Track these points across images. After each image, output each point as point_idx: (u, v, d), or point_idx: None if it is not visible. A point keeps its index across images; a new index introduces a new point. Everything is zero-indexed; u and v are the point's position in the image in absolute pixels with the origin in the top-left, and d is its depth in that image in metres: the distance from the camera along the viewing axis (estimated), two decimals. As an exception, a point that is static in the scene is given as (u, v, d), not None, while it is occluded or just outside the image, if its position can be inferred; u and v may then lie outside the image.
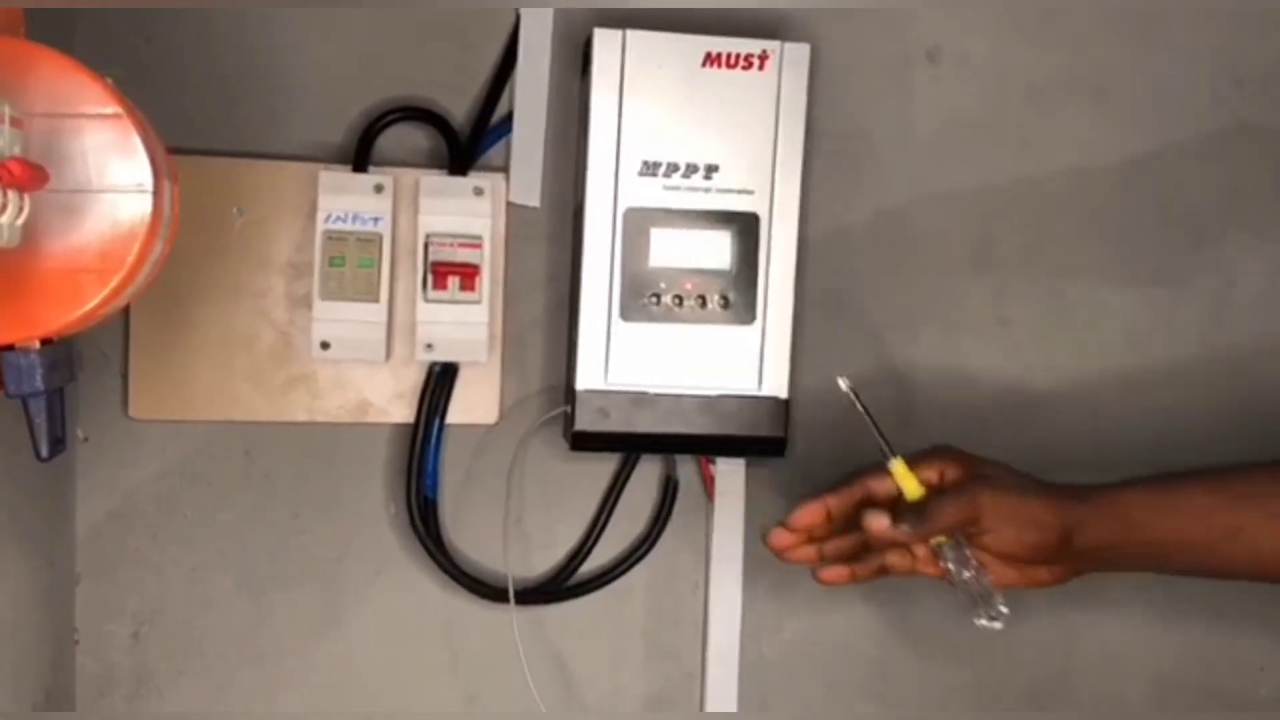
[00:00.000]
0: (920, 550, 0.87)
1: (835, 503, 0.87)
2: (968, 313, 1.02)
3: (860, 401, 0.86)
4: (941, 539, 0.85)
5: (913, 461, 0.86)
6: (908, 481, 0.86)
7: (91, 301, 0.61)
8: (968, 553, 0.84)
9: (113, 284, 0.61)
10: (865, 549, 0.88)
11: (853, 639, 1.04)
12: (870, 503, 0.86)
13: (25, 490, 0.85)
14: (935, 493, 0.85)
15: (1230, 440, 1.06)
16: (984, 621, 0.84)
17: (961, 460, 0.87)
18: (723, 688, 1.01)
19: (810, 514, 0.87)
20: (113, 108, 0.61)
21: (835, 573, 0.88)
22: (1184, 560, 0.87)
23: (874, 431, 0.86)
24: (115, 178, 0.61)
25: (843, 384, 0.86)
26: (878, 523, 0.84)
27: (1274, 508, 0.85)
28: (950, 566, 0.85)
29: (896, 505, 0.86)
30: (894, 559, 0.87)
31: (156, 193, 0.61)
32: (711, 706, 1.01)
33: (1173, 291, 1.03)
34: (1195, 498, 0.86)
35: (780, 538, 0.88)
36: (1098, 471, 1.03)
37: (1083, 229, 1.02)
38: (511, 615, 0.96)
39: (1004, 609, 0.84)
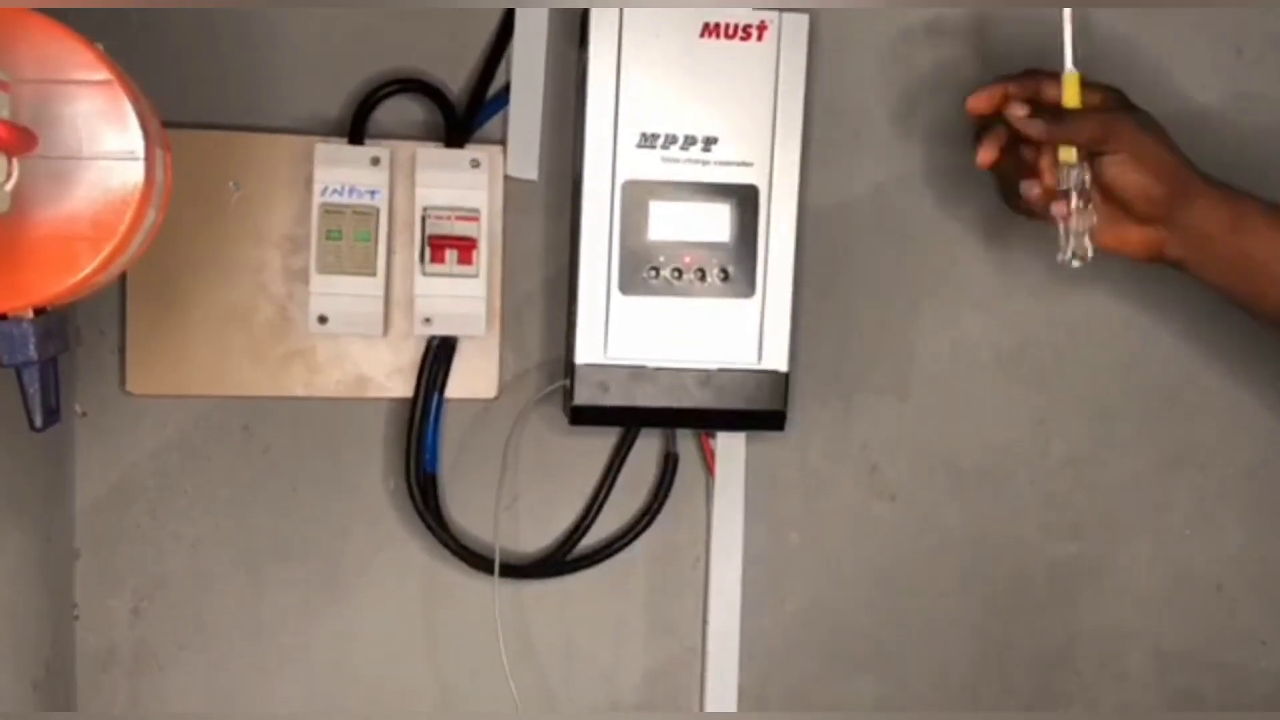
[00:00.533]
0: (1046, 164, 0.87)
1: (1013, 89, 0.87)
2: (968, 284, 1.02)
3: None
4: (1070, 157, 0.85)
5: (1085, 84, 0.86)
6: (1072, 90, 0.86)
7: (85, 270, 0.61)
8: (1086, 179, 0.85)
9: (105, 252, 0.61)
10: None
11: (853, 612, 1.04)
12: (1036, 100, 0.87)
13: (24, 466, 0.84)
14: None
15: (1229, 409, 1.06)
16: (1068, 258, 0.86)
17: (1126, 102, 0.88)
18: (723, 662, 1.01)
19: (990, 94, 0.88)
20: (103, 74, 0.60)
21: (987, 152, 0.89)
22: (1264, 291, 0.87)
23: (1067, 35, 0.86)
24: (107, 144, 0.60)
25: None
26: (1019, 109, 0.86)
27: None
28: (1069, 188, 0.86)
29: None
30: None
31: (149, 160, 0.61)
32: (712, 680, 1.01)
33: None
34: None
35: (977, 100, 0.88)
36: (1096, 444, 1.03)
37: (1084, 199, 1.02)
38: (494, 588, 0.96)
39: (1090, 252, 0.86)
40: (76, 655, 0.94)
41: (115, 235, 0.61)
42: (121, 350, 0.92)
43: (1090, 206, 0.86)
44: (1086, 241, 0.86)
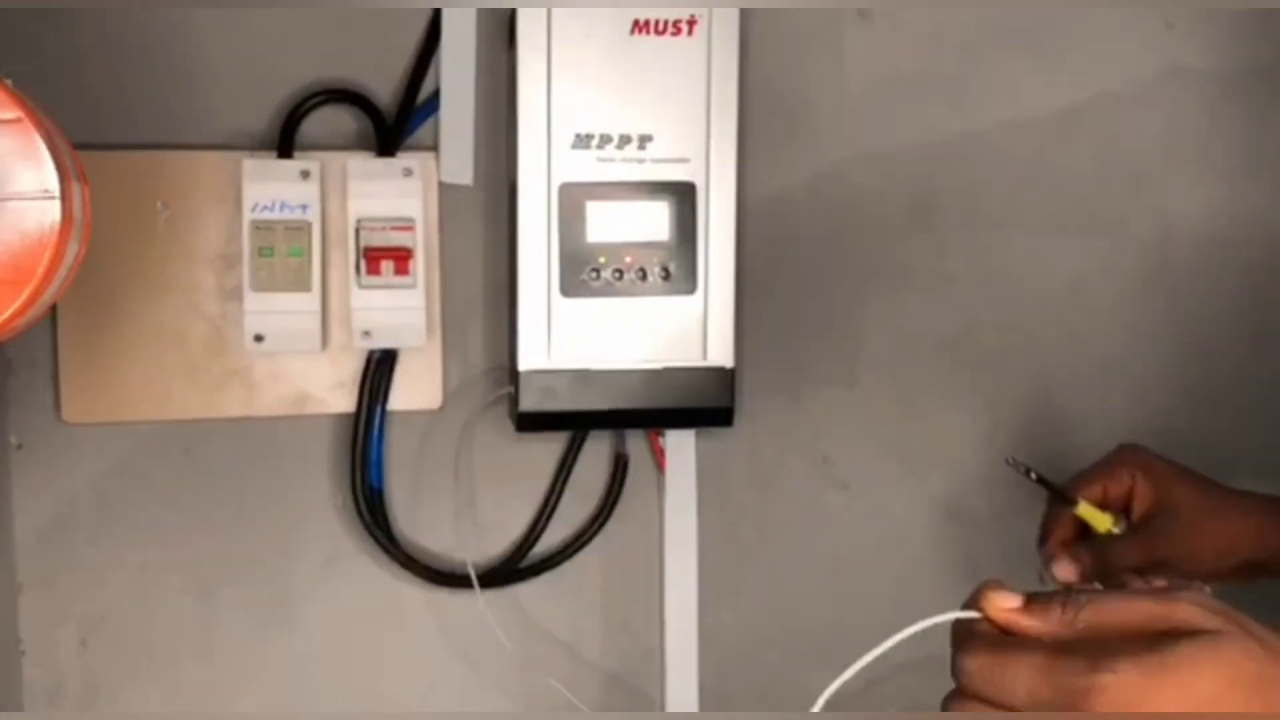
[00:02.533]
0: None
1: (1059, 546, 0.86)
2: (910, 270, 1.01)
3: (1031, 471, 0.85)
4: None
5: (1098, 475, 0.86)
6: (1095, 519, 0.85)
7: (5, 313, 0.59)
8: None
9: (25, 295, 0.59)
10: None
11: (811, 603, 1.04)
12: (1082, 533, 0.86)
13: (-43, 503, 0.83)
14: (1124, 517, 0.85)
15: (1173, 383, 1.06)
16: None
17: (1148, 470, 0.85)
18: (683, 660, 1.00)
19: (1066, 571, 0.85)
20: (14, 112, 0.58)
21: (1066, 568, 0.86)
22: None
23: (1050, 489, 0.86)
24: (20, 185, 0.58)
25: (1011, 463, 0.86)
26: (1065, 571, 0.84)
27: None
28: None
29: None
30: None
31: (65, 197, 0.59)
32: (672, 679, 1.00)
33: (1112, 238, 1.03)
34: None
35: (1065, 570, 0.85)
36: (1044, 424, 1.03)
37: (1021, 180, 1.02)
38: (477, 598, 0.95)
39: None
40: (24, 691, 0.93)
41: (34, 277, 0.59)
42: (55, 379, 0.90)
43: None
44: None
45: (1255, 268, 1.05)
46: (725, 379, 0.93)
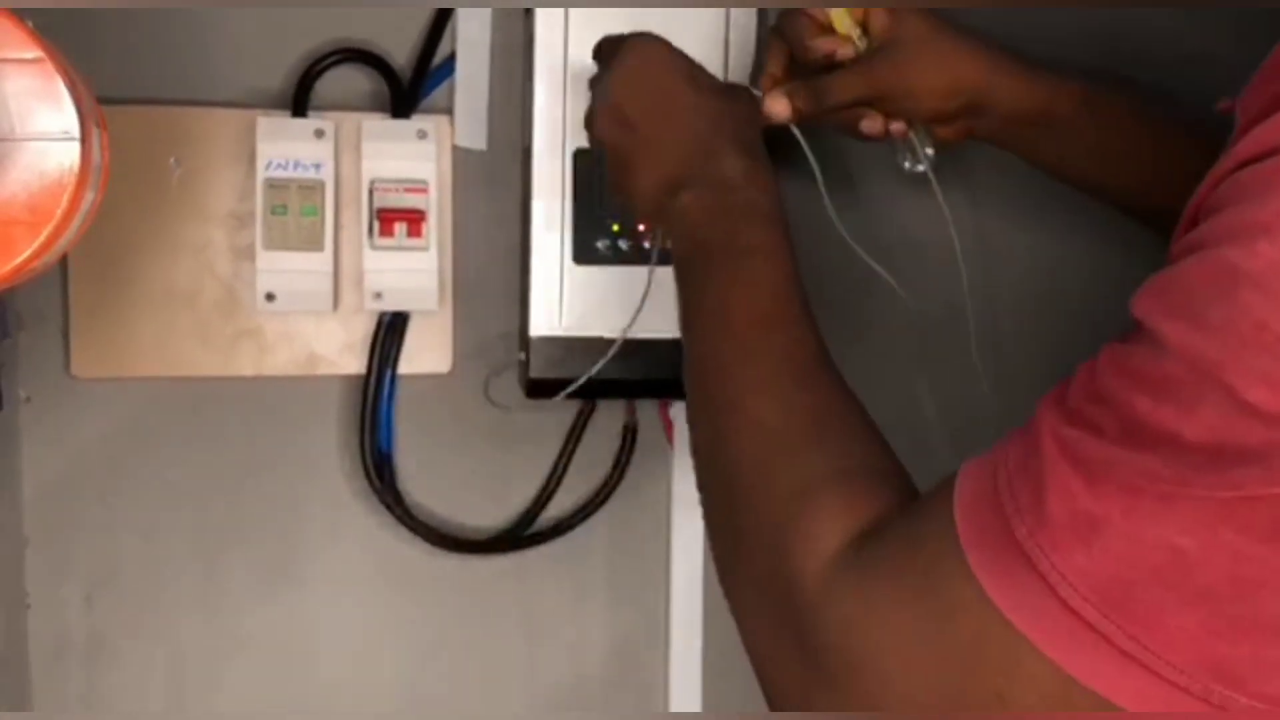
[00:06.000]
0: None
1: (774, 67, 0.83)
2: (917, 245, 1.01)
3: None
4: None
5: None
6: (839, 20, 0.80)
7: (22, 255, 0.59)
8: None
9: (43, 236, 0.59)
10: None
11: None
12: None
13: (-34, 454, 0.83)
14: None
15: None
16: (910, 165, 0.84)
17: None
18: (687, 632, 1.00)
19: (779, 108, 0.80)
20: (35, 51, 0.58)
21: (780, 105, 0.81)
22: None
23: None
24: (40, 125, 0.58)
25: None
26: (778, 105, 0.79)
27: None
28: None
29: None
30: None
31: (85, 139, 0.59)
32: (676, 650, 1.00)
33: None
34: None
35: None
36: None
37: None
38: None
39: (930, 151, 0.83)
40: (29, 645, 0.93)
41: (53, 218, 0.59)
42: (65, 333, 0.90)
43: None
44: (929, 149, 0.83)
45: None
46: (736, 350, 0.92)
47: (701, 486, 0.67)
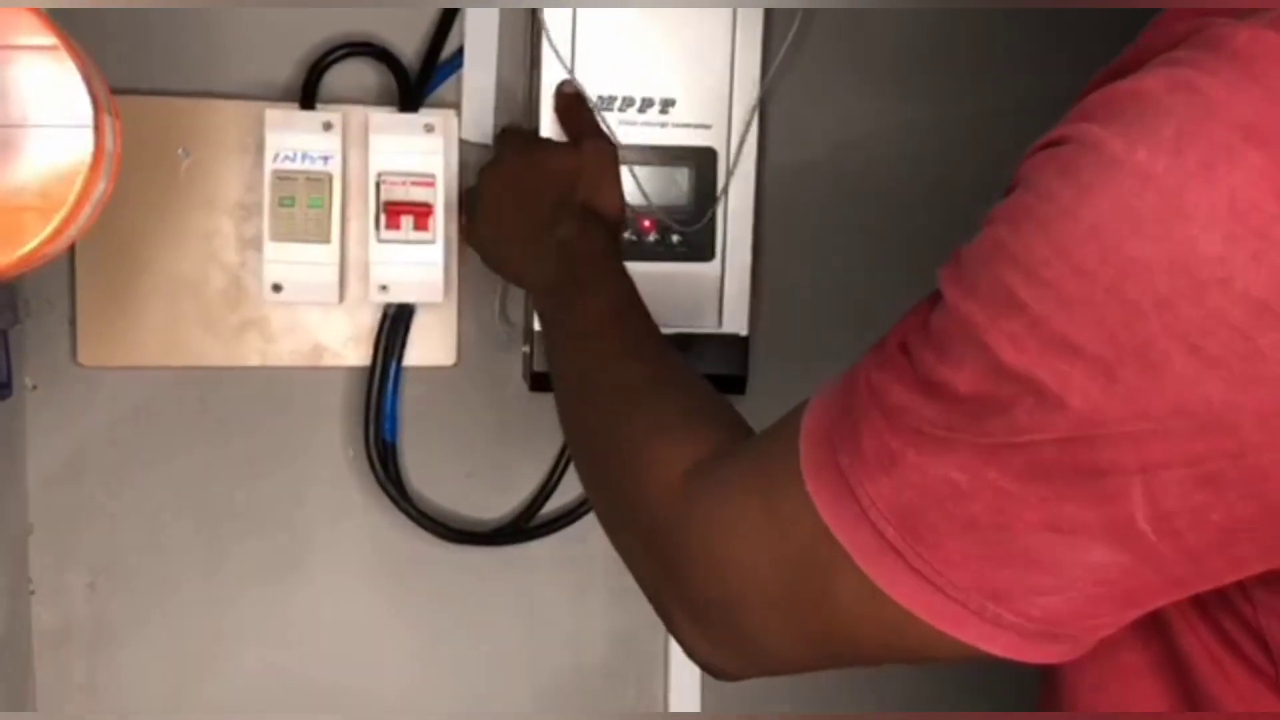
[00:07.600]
0: None
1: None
2: (927, 242, 1.01)
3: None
4: None
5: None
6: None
7: (33, 241, 0.59)
8: None
9: (55, 222, 0.59)
10: None
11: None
12: None
13: (-27, 440, 0.83)
14: None
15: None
16: None
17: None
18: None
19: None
20: (49, 38, 0.58)
21: None
22: None
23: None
24: (54, 112, 0.58)
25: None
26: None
27: None
28: None
29: None
30: None
31: (98, 127, 0.59)
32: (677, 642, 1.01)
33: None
34: None
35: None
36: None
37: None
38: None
39: None
40: (32, 632, 0.93)
41: (65, 205, 0.59)
42: (72, 322, 0.90)
43: None
44: None
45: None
46: (740, 347, 0.93)
47: (575, 456, 0.77)
